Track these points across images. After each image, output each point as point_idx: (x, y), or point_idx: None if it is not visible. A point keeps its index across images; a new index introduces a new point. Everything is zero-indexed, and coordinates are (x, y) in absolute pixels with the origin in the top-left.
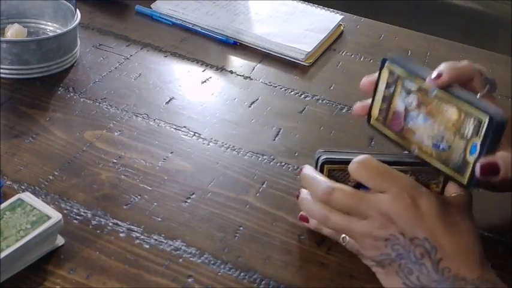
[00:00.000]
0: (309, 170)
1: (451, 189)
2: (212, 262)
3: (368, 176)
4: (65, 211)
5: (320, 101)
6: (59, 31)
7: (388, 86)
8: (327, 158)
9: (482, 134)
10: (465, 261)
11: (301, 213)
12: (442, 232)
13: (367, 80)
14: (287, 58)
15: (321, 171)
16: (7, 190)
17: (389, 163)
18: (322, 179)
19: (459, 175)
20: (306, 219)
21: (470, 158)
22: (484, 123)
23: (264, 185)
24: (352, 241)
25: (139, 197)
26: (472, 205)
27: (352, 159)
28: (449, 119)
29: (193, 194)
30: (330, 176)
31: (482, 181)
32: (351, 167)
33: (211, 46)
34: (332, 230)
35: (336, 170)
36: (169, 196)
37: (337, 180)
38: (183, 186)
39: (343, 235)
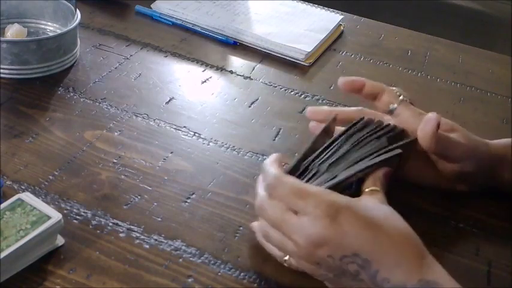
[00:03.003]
0: (270, 159)
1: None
2: (212, 262)
3: (282, 197)
4: (65, 211)
5: (320, 101)
6: (59, 31)
7: None
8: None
9: None
10: (403, 267)
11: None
12: (371, 243)
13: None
14: (287, 58)
15: None
16: (7, 190)
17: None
18: (259, 191)
19: None
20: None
21: None
22: None
23: None
24: (294, 264)
25: (139, 197)
26: (386, 198)
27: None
28: None
29: (193, 194)
30: None
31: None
32: (264, 185)
33: (211, 46)
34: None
35: None
36: (169, 196)
37: None
38: (183, 186)
39: (285, 257)
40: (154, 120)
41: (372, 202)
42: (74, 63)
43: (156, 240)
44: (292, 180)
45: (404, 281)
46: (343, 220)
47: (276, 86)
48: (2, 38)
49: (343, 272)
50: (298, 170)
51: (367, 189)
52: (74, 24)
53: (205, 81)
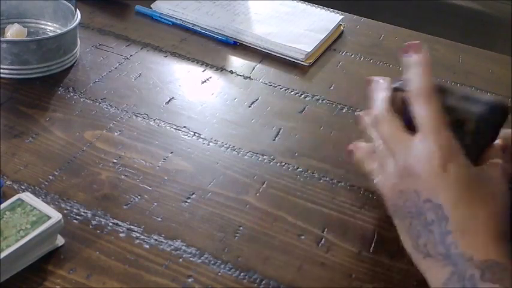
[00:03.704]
0: (380, 85)
1: (488, 156)
2: (212, 262)
3: (423, 116)
4: (65, 211)
5: (320, 101)
6: (59, 31)
7: None
8: (399, 86)
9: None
10: (478, 240)
11: (350, 146)
12: (462, 204)
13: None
14: (287, 58)
15: (393, 98)
16: (7, 190)
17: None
18: (380, 103)
19: None
20: (352, 152)
21: None
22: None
23: (264, 185)
24: (381, 182)
25: (139, 197)
26: (507, 174)
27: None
28: None
29: (193, 194)
30: (402, 104)
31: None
32: (410, 90)
33: (211, 46)
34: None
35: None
36: (169, 196)
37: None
38: (183, 186)
39: (376, 179)
40: (154, 120)
41: (492, 174)
42: (74, 63)
43: (156, 240)
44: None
45: (473, 253)
46: (454, 170)
47: (276, 86)
48: (2, 38)
49: (418, 214)
50: None
51: (492, 161)
52: (74, 24)
53: (205, 81)
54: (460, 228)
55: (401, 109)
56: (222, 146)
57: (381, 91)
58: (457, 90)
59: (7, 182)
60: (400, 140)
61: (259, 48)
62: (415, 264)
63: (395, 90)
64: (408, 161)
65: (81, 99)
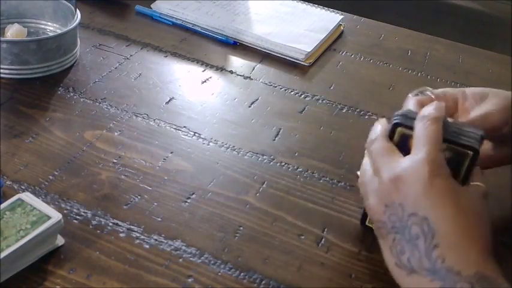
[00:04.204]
0: (380, 122)
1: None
2: (212, 262)
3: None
4: (65, 211)
5: (320, 101)
6: (59, 31)
7: None
8: (399, 121)
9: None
10: (464, 253)
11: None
12: (450, 218)
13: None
14: (287, 58)
15: (392, 132)
16: (7, 190)
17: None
18: (376, 131)
19: None
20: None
21: None
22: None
23: (264, 185)
24: (368, 202)
25: (139, 197)
26: (487, 196)
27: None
28: None
29: (193, 194)
30: (400, 140)
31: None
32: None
33: (211, 46)
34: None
35: (407, 135)
36: (169, 196)
37: (406, 146)
38: (183, 186)
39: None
40: (154, 120)
41: (477, 194)
42: (74, 63)
43: (156, 240)
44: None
45: (460, 268)
46: (438, 184)
47: (276, 86)
48: (2, 38)
49: (402, 228)
50: None
51: (474, 183)
52: (74, 24)
53: (205, 81)
54: (448, 241)
55: (398, 143)
56: (222, 146)
57: (379, 124)
58: (450, 124)
59: (7, 182)
60: (388, 156)
61: (259, 48)
62: (399, 283)
63: (396, 125)
64: (394, 175)
65: (81, 99)
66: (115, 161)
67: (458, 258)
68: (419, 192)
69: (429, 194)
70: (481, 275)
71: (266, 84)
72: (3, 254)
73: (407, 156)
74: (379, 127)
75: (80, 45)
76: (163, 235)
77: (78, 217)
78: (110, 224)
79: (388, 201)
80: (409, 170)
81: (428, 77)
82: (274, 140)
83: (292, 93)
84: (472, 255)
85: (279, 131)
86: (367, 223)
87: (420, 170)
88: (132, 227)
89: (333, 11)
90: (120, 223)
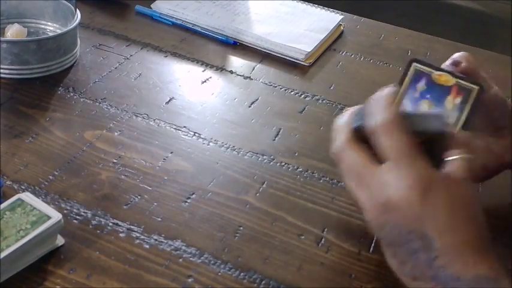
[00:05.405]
0: (344, 117)
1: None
2: (212, 262)
3: (389, 146)
4: (65, 211)
5: (320, 101)
6: (59, 31)
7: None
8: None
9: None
10: (462, 261)
11: None
12: (448, 231)
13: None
14: (287, 58)
15: (408, 67)
16: (7, 190)
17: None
18: (340, 136)
19: None
20: None
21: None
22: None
23: (264, 185)
24: (365, 214)
25: (139, 197)
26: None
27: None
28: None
29: (193, 194)
30: (415, 73)
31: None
32: (371, 126)
33: (211, 46)
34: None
35: (421, 70)
36: (169, 196)
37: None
38: (183, 186)
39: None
40: (154, 120)
41: (464, 181)
42: (74, 63)
43: (156, 240)
44: (404, 132)
45: (460, 273)
46: (434, 197)
47: (276, 86)
48: (2, 38)
49: (401, 243)
50: None
51: (454, 157)
52: (74, 24)
53: (205, 81)
54: (447, 253)
55: (411, 81)
56: (222, 146)
57: (340, 133)
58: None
59: (7, 182)
60: (369, 170)
61: (259, 48)
62: (405, 284)
63: (357, 130)
64: (384, 196)
65: (81, 99)
66: (115, 161)
67: (457, 265)
68: (415, 211)
69: (425, 211)
70: (479, 277)
71: (266, 84)
72: (3, 254)
73: (389, 172)
74: (340, 136)
75: (80, 45)
76: (163, 235)
77: (78, 217)
78: (110, 224)
79: (383, 221)
80: (399, 192)
81: None
82: (274, 140)
83: (292, 93)
84: (470, 259)
85: (279, 131)
86: None
87: (410, 189)
88: (132, 227)
89: (333, 11)
90: (120, 223)
